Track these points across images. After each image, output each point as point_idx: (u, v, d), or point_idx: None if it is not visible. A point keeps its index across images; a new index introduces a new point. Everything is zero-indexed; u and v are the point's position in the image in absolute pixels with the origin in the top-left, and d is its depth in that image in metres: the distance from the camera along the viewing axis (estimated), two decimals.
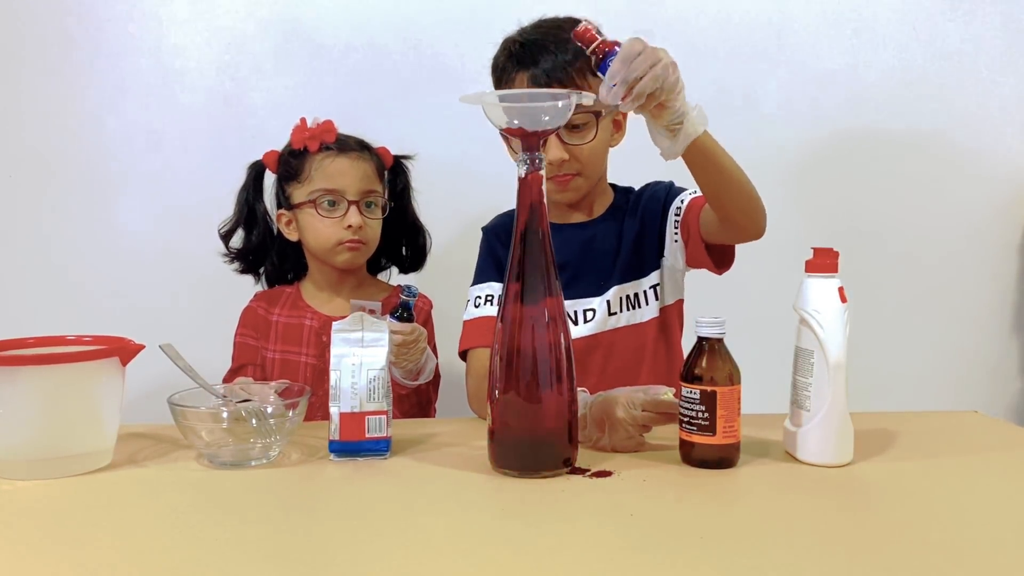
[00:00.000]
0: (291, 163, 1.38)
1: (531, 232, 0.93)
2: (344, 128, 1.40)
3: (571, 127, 1.19)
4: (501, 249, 1.31)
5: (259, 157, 1.43)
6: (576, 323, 1.28)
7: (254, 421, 0.98)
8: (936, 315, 1.93)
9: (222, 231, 1.44)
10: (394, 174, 1.46)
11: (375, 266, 1.50)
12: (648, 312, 1.29)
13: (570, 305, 1.26)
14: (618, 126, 1.28)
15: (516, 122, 0.93)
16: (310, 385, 1.12)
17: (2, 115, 1.78)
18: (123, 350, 0.97)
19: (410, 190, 1.48)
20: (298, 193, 1.37)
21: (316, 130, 1.37)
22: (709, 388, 0.93)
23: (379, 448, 1.00)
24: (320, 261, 1.41)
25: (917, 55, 1.88)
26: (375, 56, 1.80)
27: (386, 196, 1.43)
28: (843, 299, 0.96)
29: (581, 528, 0.79)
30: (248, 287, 1.48)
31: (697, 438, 0.94)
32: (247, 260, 1.46)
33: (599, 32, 1.00)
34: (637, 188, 1.36)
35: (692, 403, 0.94)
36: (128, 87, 1.78)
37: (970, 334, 1.94)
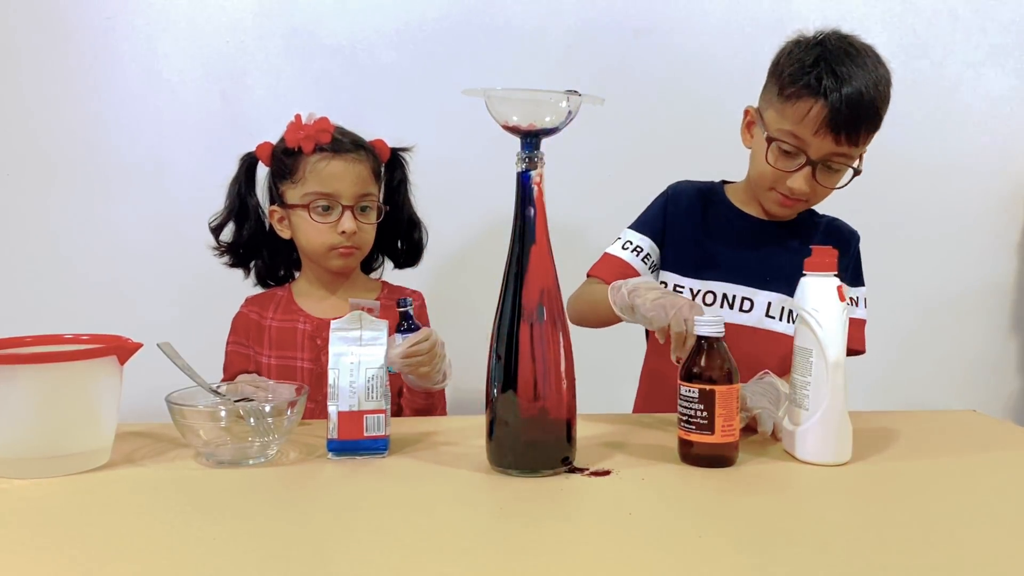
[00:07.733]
0: (284, 161, 1.35)
1: (529, 229, 0.93)
2: (343, 125, 1.38)
3: (827, 167, 1.21)
4: (671, 210, 1.36)
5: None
6: (732, 308, 1.30)
7: (252, 420, 0.98)
8: (935, 314, 1.93)
9: (212, 224, 1.42)
10: (391, 168, 1.43)
11: (368, 264, 1.48)
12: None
13: (728, 288, 1.31)
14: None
15: (517, 119, 0.93)
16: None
17: (1, 113, 1.78)
18: (121, 349, 0.97)
19: (407, 184, 1.45)
20: (291, 193, 1.35)
21: (311, 129, 1.33)
22: (707, 387, 0.93)
23: (377, 447, 1.00)
24: (313, 261, 1.40)
25: (916, 54, 1.88)
26: (375, 54, 1.80)
27: (382, 196, 1.41)
28: (841, 298, 0.96)
29: (579, 527, 0.79)
30: (245, 286, 1.47)
31: (696, 437, 0.94)
32: (237, 254, 1.43)
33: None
34: (820, 212, 1.37)
35: (690, 402, 0.94)
36: (127, 86, 1.78)
37: (969, 333, 1.95)
